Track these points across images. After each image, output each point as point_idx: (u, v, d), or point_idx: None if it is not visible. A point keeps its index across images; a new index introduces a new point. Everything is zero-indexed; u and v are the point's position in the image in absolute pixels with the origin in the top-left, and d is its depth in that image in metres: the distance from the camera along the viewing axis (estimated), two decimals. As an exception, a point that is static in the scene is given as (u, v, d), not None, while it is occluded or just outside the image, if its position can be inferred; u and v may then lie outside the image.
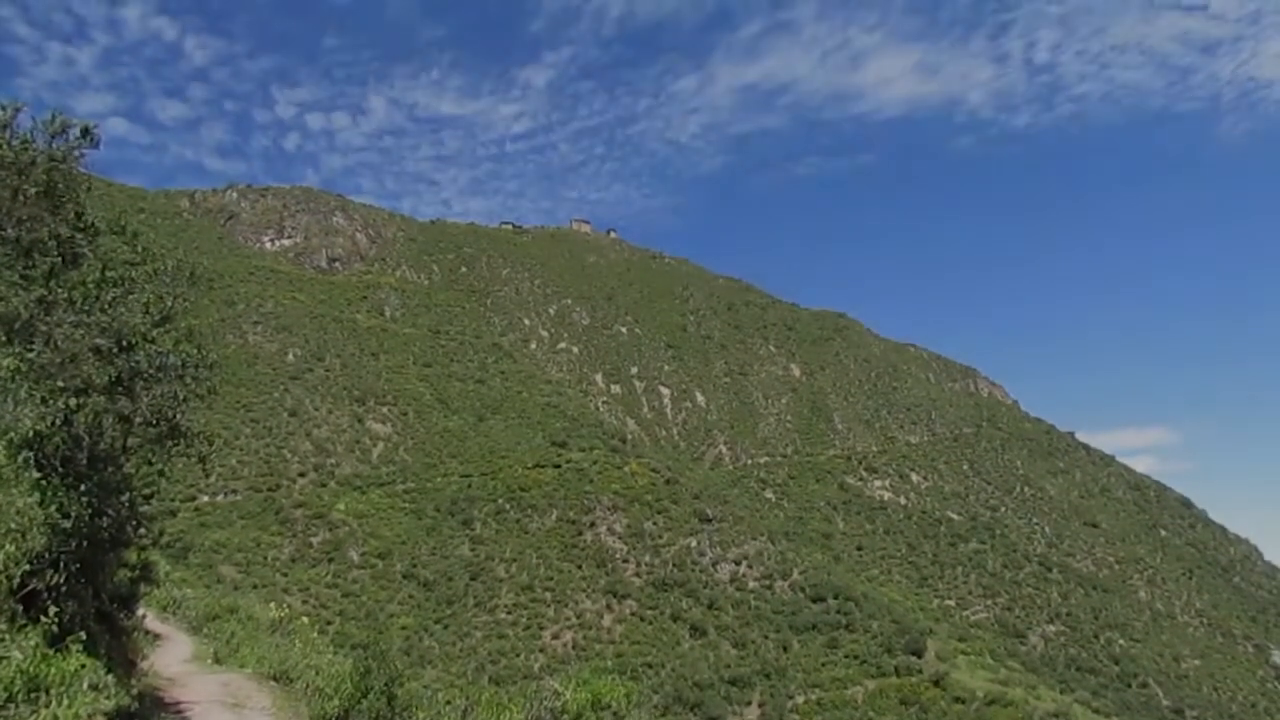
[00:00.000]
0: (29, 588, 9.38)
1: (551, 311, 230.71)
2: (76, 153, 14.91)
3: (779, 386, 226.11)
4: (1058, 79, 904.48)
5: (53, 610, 9.58)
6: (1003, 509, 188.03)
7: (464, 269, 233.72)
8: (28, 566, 9.01)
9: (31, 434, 10.54)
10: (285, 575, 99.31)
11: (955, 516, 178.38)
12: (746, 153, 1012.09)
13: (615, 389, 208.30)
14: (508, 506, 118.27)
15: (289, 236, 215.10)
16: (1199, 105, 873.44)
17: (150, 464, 15.85)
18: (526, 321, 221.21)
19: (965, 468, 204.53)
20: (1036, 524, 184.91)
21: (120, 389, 14.06)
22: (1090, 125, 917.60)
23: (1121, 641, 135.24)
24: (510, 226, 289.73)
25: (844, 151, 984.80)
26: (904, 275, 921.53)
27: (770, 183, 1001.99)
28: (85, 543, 11.59)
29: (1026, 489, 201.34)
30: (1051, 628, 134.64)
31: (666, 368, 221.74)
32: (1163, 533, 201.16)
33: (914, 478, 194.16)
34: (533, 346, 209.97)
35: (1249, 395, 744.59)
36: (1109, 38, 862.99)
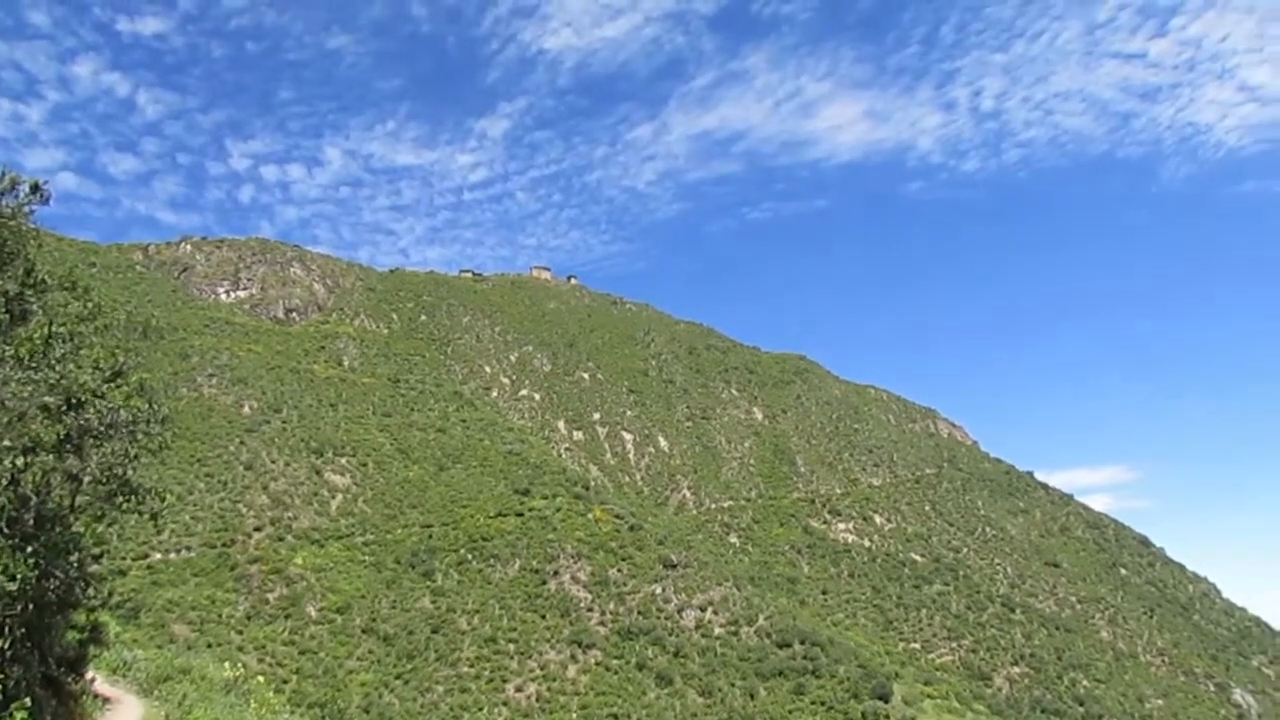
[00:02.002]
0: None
1: (512, 359, 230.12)
2: (26, 209, 14.87)
3: (742, 430, 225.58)
4: (1004, 125, 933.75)
5: (-3, 676, 9.29)
6: (965, 550, 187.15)
7: (424, 317, 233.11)
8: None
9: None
10: (240, 633, 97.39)
11: (919, 558, 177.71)
12: (703, 198, 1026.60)
13: (578, 435, 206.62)
14: (470, 557, 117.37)
15: (244, 288, 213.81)
16: (1142, 150, 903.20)
17: (100, 522, 15.37)
18: (488, 369, 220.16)
19: (927, 509, 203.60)
20: (999, 564, 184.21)
21: (69, 447, 13.74)
22: (1038, 169, 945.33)
23: (1085, 682, 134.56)
24: (470, 274, 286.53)
25: (799, 196, 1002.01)
26: (863, 317, 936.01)
27: (727, 228, 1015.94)
28: (32, 605, 11.35)
29: (988, 529, 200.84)
30: (1016, 669, 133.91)
31: (629, 413, 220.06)
32: (1123, 571, 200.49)
33: (877, 519, 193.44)
34: (494, 394, 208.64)
35: (1203, 432, 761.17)
36: (1052, 85, 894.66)
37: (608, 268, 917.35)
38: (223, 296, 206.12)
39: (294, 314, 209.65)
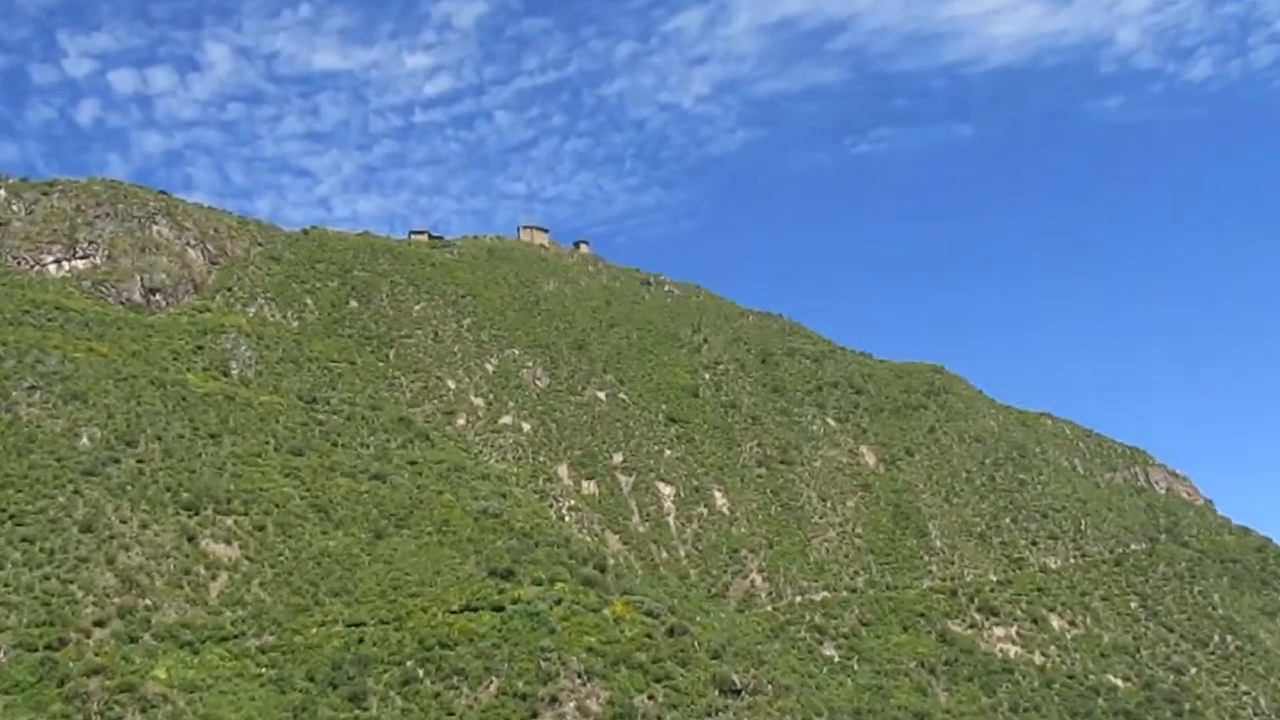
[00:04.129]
0: None
1: (490, 368, 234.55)
2: None
3: (843, 481, 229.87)
4: (1252, 9, 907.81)
5: None
6: (1194, 670, 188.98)
7: (354, 303, 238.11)
8: None
9: None
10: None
11: (1120, 682, 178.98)
12: (783, 122, 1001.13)
13: (589, 487, 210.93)
14: (421, 673, 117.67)
15: (84, 255, 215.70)
16: None
17: None
18: (451, 383, 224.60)
19: (1134, 606, 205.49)
20: (1247, 692, 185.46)
21: None
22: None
23: None
24: (425, 237, 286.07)
25: (929, 119, 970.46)
26: (1031, 309, 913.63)
27: (819, 168, 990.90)
28: None
29: (1230, 638, 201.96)
30: None
31: (668, 453, 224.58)
32: None
33: (1055, 622, 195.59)
34: (461, 422, 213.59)
35: None
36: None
37: (636, 229, 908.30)
38: (51, 268, 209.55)
39: (158, 295, 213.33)
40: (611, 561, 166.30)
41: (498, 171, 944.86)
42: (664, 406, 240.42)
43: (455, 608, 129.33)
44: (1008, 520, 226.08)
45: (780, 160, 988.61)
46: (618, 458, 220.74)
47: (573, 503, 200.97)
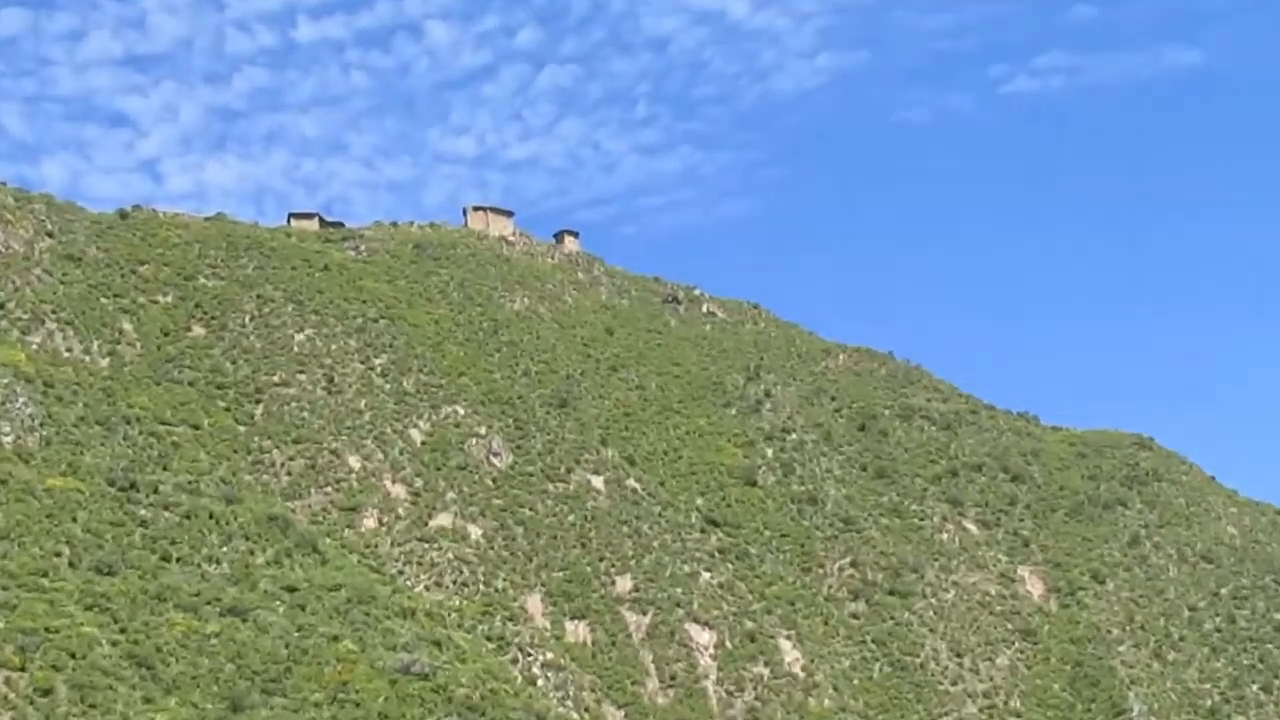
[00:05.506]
0: None
1: (417, 435, 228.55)
2: None
3: (991, 623, 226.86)
4: None
5: None
6: None
7: (198, 329, 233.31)
8: None
9: None
10: None
11: None
12: (894, 46, 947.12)
13: (577, 631, 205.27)
14: None
15: None
16: None
17: None
18: (355, 461, 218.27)
19: None
20: None
21: None
22: None
23: None
24: (314, 224, 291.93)
25: (1133, 38, 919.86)
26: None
27: (951, 118, 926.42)
28: None
29: None
30: None
31: (706, 576, 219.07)
32: None
33: None
34: (370, 523, 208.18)
35: None
36: None
37: (654, 214, 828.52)
38: None
39: None
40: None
41: (431, 120, 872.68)
42: (700, 501, 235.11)
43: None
44: (1255, 688, 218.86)
45: (887, 103, 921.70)
46: (624, 584, 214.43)
47: (550, 655, 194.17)
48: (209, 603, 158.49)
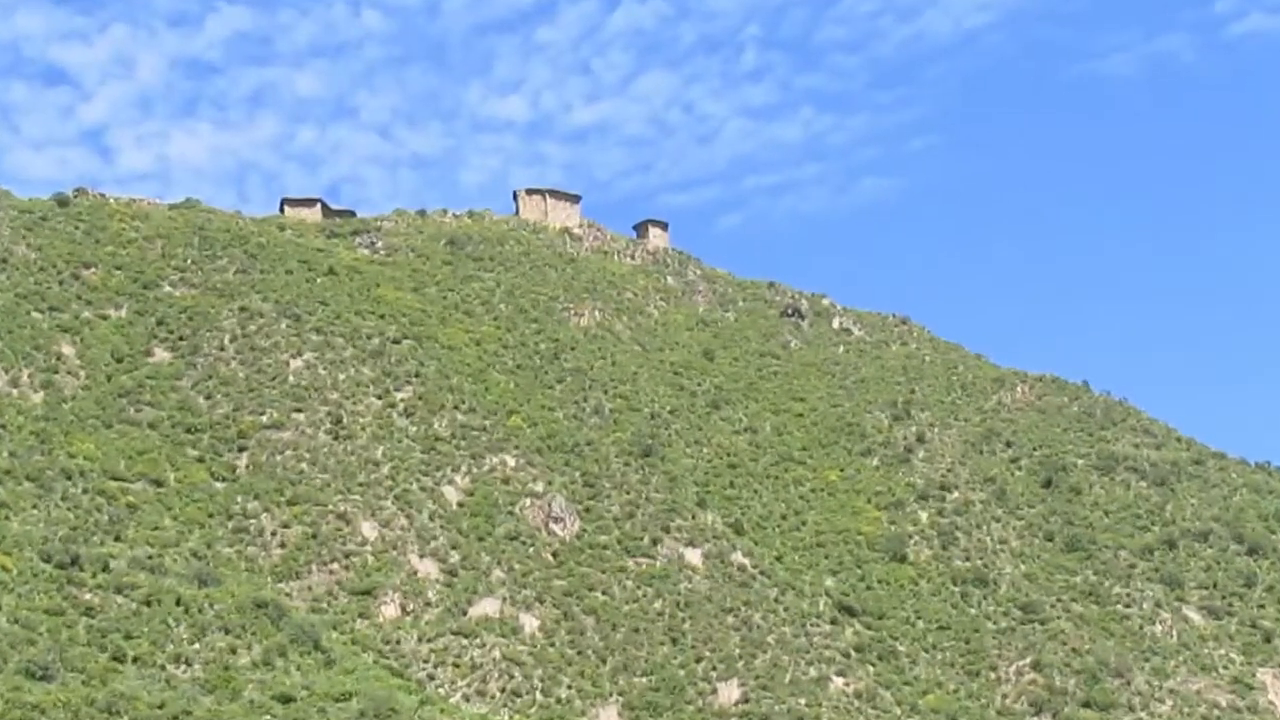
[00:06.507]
0: None
1: (452, 494, 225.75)
2: None
3: None
4: None
5: None
6: None
7: (162, 352, 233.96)
8: None
9: None
10: None
11: None
12: None
13: None
14: None
15: None
16: None
17: None
18: (370, 529, 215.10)
19: None
20: None
21: None
22: None
23: None
24: (316, 213, 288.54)
25: None
26: None
27: (1167, 64, 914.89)
28: None
29: None
30: None
31: (837, 682, 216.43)
32: None
33: None
34: (391, 611, 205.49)
35: None
36: None
37: (767, 199, 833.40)
38: None
39: None
40: None
41: (468, 75, 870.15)
42: (830, 582, 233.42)
43: None
44: None
45: (1074, 50, 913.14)
46: (729, 693, 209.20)
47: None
48: (176, 717, 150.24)
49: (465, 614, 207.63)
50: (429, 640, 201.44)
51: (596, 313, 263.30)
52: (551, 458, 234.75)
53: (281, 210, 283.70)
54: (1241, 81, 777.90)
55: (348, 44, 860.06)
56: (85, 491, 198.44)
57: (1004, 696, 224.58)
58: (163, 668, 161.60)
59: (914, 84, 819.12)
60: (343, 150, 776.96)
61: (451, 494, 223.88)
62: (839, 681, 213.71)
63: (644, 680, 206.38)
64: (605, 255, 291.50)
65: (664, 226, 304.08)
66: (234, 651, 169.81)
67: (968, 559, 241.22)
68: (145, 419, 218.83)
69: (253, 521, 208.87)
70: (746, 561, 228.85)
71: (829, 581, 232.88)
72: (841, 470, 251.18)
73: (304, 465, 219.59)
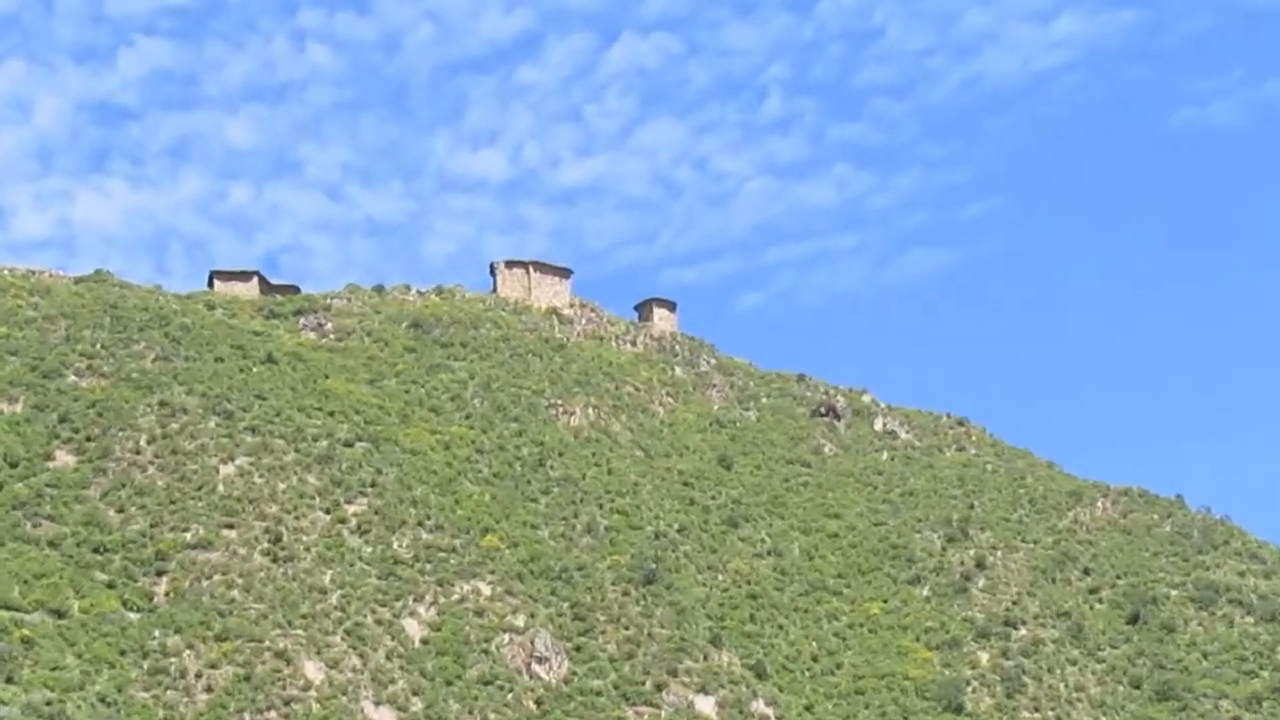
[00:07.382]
0: None
1: (415, 624, 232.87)
2: None
3: None
4: None
5: None
6: None
7: (65, 456, 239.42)
8: None
9: None
10: None
11: None
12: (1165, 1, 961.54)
13: None
14: None
15: None
16: None
17: None
18: (314, 670, 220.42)
19: None
20: None
21: None
22: None
23: None
24: (251, 288, 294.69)
25: None
26: None
27: (1269, 123, 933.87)
28: None
29: None
30: None
31: None
32: None
33: None
34: None
35: None
36: None
37: (794, 276, 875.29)
38: None
39: None
40: None
41: (436, 122, 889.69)
42: None
43: None
44: None
45: (1166, 95, 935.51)
46: None
47: None
48: None
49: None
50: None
51: (590, 410, 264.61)
52: (535, 585, 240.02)
53: (210, 285, 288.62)
54: None
55: (290, 86, 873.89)
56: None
57: None
58: None
59: (971, 137, 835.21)
60: (283, 213, 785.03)
61: (414, 628, 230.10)
62: None
63: None
64: (600, 341, 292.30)
65: (671, 307, 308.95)
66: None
67: (1037, 709, 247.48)
68: (44, 536, 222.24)
69: (173, 660, 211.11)
70: (770, 712, 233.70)
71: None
72: (885, 602, 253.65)
73: (235, 593, 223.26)
